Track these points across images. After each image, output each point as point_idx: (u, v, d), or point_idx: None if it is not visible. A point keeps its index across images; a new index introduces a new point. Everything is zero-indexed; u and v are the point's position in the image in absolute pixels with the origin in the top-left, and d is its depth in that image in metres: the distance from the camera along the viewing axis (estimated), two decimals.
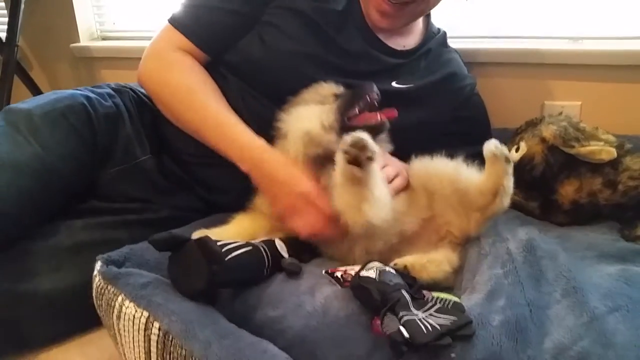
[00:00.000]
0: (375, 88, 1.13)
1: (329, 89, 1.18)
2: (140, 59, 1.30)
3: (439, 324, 0.76)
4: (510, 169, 1.04)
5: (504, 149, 1.03)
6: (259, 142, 1.14)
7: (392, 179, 1.11)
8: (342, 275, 0.95)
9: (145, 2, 2.18)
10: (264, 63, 1.24)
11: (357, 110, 1.11)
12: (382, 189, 0.99)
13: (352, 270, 0.96)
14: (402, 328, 0.75)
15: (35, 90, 2.24)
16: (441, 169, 1.10)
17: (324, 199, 1.05)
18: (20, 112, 1.17)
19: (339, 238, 1.06)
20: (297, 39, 1.25)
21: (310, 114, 1.13)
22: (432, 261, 1.00)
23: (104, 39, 2.34)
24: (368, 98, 1.12)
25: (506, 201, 1.05)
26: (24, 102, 1.22)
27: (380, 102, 1.14)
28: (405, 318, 0.76)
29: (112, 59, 2.23)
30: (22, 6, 2.09)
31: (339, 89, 1.18)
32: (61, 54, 2.32)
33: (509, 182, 1.04)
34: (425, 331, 0.74)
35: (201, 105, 1.21)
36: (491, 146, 1.03)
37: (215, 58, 1.29)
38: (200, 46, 1.27)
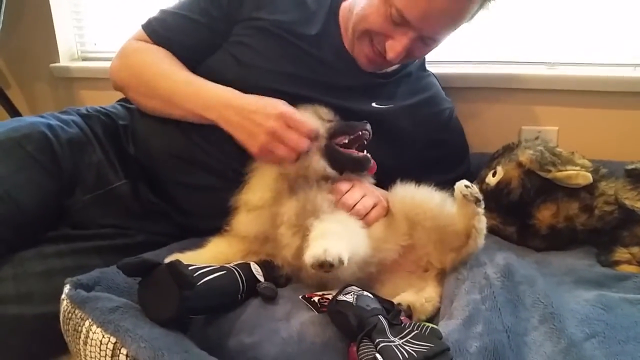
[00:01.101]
0: (368, 127, 1.15)
1: (327, 113, 1.21)
2: None
3: (415, 351, 0.75)
4: (481, 210, 1.02)
5: (473, 190, 1.01)
6: (224, 88, 1.19)
7: (370, 210, 1.11)
8: (319, 300, 0.94)
9: (126, 23, 2.18)
10: (240, 83, 1.24)
11: (346, 139, 1.14)
12: (355, 251, 0.96)
13: (329, 295, 0.95)
14: (378, 355, 0.74)
15: (12, 111, 2.20)
16: (426, 202, 1.09)
17: (299, 116, 1.10)
18: None
19: None
20: (272, 58, 1.27)
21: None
22: (429, 300, 1.00)
23: (85, 59, 2.33)
24: (360, 133, 1.14)
25: (480, 242, 1.04)
26: None
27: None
28: (381, 345, 0.75)
29: (92, 80, 2.21)
30: (0, 25, 2.06)
31: (334, 117, 1.21)
32: (40, 74, 2.29)
33: (481, 224, 1.03)
34: (401, 358, 0.73)
35: (167, 71, 1.26)
36: (461, 187, 1.01)
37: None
38: (161, 46, 1.32)
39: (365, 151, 1.16)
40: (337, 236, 0.92)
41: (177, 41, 1.32)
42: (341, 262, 0.85)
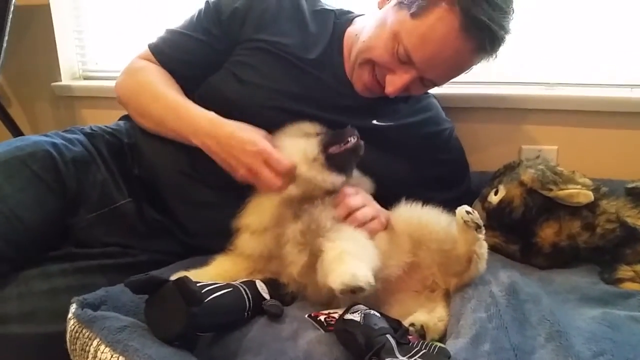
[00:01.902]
0: (356, 132, 1.16)
1: (312, 127, 1.21)
2: None
3: None
4: (482, 236, 1.02)
5: (474, 216, 1.01)
6: (207, 115, 1.20)
7: (369, 221, 1.11)
8: (325, 319, 0.93)
9: (128, 42, 2.20)
10: (241, 102, 1.26)
11: (338, 149, 1.14)
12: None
13: (336, 313, 0.95)
14: None
15: (14, 129, 2.21)
16: (432, 224, 1.09)
17: (277, 154, 1.10)
18: None
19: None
20: (272, 76, 1.29)
21: (294, 146, 1.15)
22: (441, 319, 1.00)
23: (86, 78, 2.34)
24: (349, 139, 1.14)
25: (482, 267, 1.04)
26: None
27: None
28: None
29: (93, 99, 2.22)
30: (5, 45, 2.08)
31: (321, 129, 1.21)
32: (42, 93, 2.31)
33: (482, 249, 1.03)
34: None
35: (161, 94, 1.28)
36: (463, 213, 1.01)
37: (177, 80, 1.35)
38: (164, 64, 1.36)
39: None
40: (356, 257, 0.92)
41: (180, 59, 1.36)
42: (370, 284, 0.86)
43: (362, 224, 1.09)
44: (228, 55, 1.34)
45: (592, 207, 1.27)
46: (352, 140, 1.14)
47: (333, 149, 1.14)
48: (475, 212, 1.02)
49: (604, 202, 1.29)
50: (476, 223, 1.00)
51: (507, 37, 1.18)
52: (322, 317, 0.94)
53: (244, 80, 1.29)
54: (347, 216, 1.09)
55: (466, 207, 1.02)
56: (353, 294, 0.87)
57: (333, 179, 1.12)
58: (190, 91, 1.33)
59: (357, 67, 1.28)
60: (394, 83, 1.22)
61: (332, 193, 1.13)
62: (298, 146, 1.15)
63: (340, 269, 0.88)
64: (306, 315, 0.96)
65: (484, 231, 1.02)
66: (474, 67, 1.26)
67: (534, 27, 1.68)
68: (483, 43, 1.15)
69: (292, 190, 1.11)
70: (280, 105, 1.26)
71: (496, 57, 1.23)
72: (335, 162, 1.13)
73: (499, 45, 1.19)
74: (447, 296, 1.08)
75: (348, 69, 1.32)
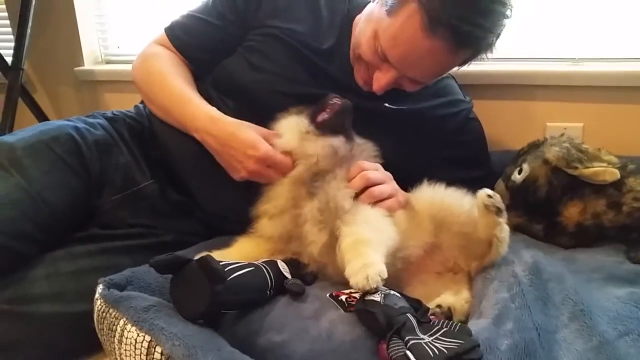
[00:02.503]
0: (337, 96, 1.16)
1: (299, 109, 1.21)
2: None
3: (445, 348, 0.74)
4: (503, 220, 1.01)
5: (496, 200, 1.00)
6: (209, 111, 1.20)
7: (386, 198, 1.10)
8: (346, 299, 0.94)
9: (149, 26, 2.20)
10: (252, 86, 1.27)
11: (326, 115, 1.14)
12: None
13: (357, 293, 0.95)
14: (408, 352, 0.73)
15: (40, 114, 2.25)
16: (456, 207, 1.08)
17: (280, 157, 1.10)
18: (2, 145, 1.18)
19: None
20: (283, 64, 1.28)
21: (286, 126, 1.16)
22: (467, 301, 1.00)
23: (108, 62, 2.36)
24: (331, 102, 1.14)
25: (502, 250, 1.03)
26: (10, 134, 1.25)
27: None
28: (411, 342, 0.75)
29: (115, 83, 2.24)
30: (29, 30, 2.11)
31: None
32: (65, 78, 2.33)
33: (503, 233, 1.01)
34: (432, 355, 0.73)
35: (168, 84, 1.29)
36: (484, 197, 1.00)
37: (192, 64, 1.37)
38: (178, 47, 1.37)
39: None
40: (371, 247, 0.92)
41: (194, 44, 1.37)
42: (383, 278, 0.86)
43: (378, 201, 1.08)
44: (242, 40, 1.35)
45: (618, 185, 1.24)
46: (336, 101, 1.14)
47: (321, 116, 1.14)
48: (497, 195, 1.01)
49: (630, 180, 1.26)
50: (497, 207, 0.99)
51: (492, 36, 1.13)
52: (343, 297, 0.94)
53: (255, 65, 1.29)
54: (364, 190, 1.08)
55: (487, 191, 1.01)
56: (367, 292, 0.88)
57: (332, 142, 1.11)
58: (205, 74, 1.35)
59: (355, 63, 1.27)
60: (378, 81, 1.21)
61: (341, 163, 1.11)
62: (289, 125, 1.15)
63: (355, 264, 0.88)
64: (327, 295, 0.97)
65: (505, 215, 1.01)
66: (467, 63, 1.23)
67: (558, 1, 1.64)
68: (452, 43, 1.10)
69: (299, 169, 1.11)
70: (289, 91, 1.26)
71: (491, 53, 1.18)
72: (327, 126, 1.13)
73: (479, 43, 1.13)
74: (470, 278, 1.07)
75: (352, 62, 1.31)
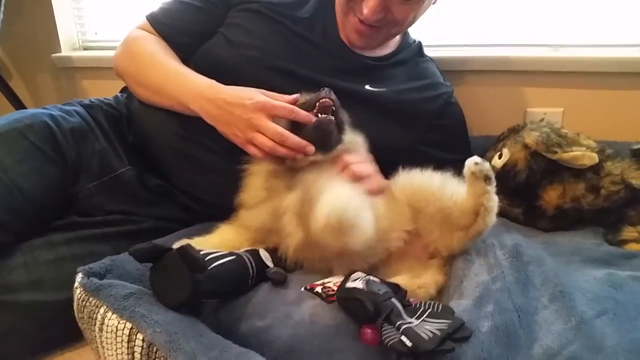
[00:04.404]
0: (329, 94, 1.10)
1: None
2: None
3: (437, 329, 0.74)
4: (491, 188, 0.99)
5: (484, 167, 0.97)
6: (205, 80, 1.19)
7: (365, 177, 1.09)
8: (322, 290, 0.93)
9: (127, 12, 2.17)
10: (231, 62, 1.26)
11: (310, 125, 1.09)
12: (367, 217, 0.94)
13: (330, 282, 0.95)
14: (404, 338, 0.73)
15: (16, 102, 2.20)
16: (426, 185, 1.06)
17: (277, 102, 1.08)
18: None
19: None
20: (263, 37, 1.28)
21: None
22: (421, 286, 0.98)
23: (86, 48, 2.31)
24: (318, 105, 1.09)
25: (490, 220, 1.01)
26: None
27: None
28: (403, 327, 0.75)
29: (93, 69, 2.20)
30: (2, 16, 2.05)
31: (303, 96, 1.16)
32: (42, 64, 2.28)
33: (490, 202, 0.99)
34: (426, 338, 0.72)
35: (160, 62, 1.28)
36: (470, 165, 0.98)
37: (177, 49, 1.34)
38: (161, 32, 1.35)
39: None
40: (351, 197, 0.90)
41: (177, 27, 1.36)
42: (360, 217, 0.84)
43: (358, 178, 1.07)
44: (224, 21, 1.35)
45: (596, 169, 1.26)
46: (323, 104, 1.09)
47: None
48: (486, 163, 0.98)
49: (608, 164, 1.28)
50: (485, 174, 0.97)
51: None
52: (318, 289, 0.93)
53: (232, 40, 1.29)
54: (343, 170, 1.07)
55: (475, 158, 0.99)
56: (339, 232, 0.85)
57: (311, 157, 1.07)
58: (187, 59, 1.33)
59: (345, 19, 1.29)
60: (368, 5, 1.20)
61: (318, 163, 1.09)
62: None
63: (324, 199, 0.85)
64: (302, 289, 0.95)
65: (493, 183, 0.99)
66: None
67: None
68: None
69: (269, 164, 1.09)
70: (270, 65, 1.25)
71: None
72: (306, 138, 1.07)
73: None
74: (443, 266, 1.06)
75: (342, 30, 1.32)
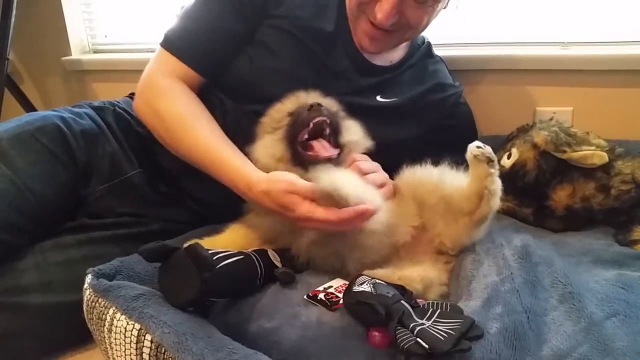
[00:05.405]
0: (320, 111, 1.08)
1: (283, 108, 1.14)
2: (132, 71, 1.32)
3: (450, 329, 0.74)
4: (494, 171, 0.99)
5: (486, 150, 0.98)
6: (248, 177, 1.06)
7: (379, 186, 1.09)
8: (325, 297, 0.92)
9: (137, 15, 2.18)
10: (253, 82, 1.25)
11: (306, 135, 1.08)
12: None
13: (331, 288, 0.95)
14: (420, 340, 0.72)
15: (27, 105, 2.22)
16: (426, 178, 1.08)
17: (322, 214, 0.95)
18: None
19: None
20: (282, 57, 1.26)
21: (261, 145, 1.12)
22: (402, 278, 0.95)
23: (96, 51, 2.33)
24: (312, 125, 1.07)
25: (494, 204, 1.00)
26: None
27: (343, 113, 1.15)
28: (417, 329, 0.75)
29: (103, 72, 2.22)
30: (13, 19, 2.08)
31: (293, 106, 1.13)
32: (52, 68, 2.31)
33: (494, 185, 0.99)
34: (442, 339, 0.72)
35: (190, 130, 1.17)
36: (472, 148, 0.99)
37: (210, 79, 1.28)
38: (196, 68, 1.25)
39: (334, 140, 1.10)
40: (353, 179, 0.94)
41: (202, 52, 1.27)
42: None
43: (364, 173, 1.08)
44: (252, 38, 1.29)
45: (606, 168, 1.25)
46: (317, 124, 1.07)
47: (302, 135, 1.07)
48: (487, 147, 0.99)
49: (619, 163, 1.27)
50: (487, 157, 0.98)
51: None
52: (321, 295, 0.93)
53: (253, 59, 1.27)
54: None
55: (477, 142, 1.00)
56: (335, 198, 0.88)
57: (308, 176, 1.02)
58: (215, 77, 1.29)
59: (357, 24, 1.27)
60: (382, 7, 1.18)
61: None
62: (264, 145, 1.11)
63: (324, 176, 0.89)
64: (304, 297, 0.93)
65: (496, 166, 0.99)
66: None
67: None
68: None
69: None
70: (289, 87, 1.18)
71: None
72: (302, 160, 1.07)
73: None
74: (444, 262, 1.06)
75: (352, 30, 1.31)
